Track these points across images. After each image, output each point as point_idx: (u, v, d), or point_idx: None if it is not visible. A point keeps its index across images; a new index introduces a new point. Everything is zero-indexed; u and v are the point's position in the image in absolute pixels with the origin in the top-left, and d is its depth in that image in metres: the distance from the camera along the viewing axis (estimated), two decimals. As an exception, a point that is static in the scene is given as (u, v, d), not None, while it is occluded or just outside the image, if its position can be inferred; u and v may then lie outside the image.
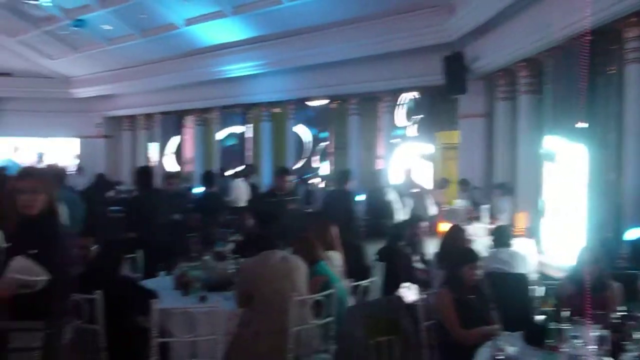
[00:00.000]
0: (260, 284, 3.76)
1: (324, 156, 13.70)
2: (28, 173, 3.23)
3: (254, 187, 10.24)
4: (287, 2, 9.60)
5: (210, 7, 10.64)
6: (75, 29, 12.20)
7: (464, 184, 9.07)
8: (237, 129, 14.69)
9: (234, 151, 14.41)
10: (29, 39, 13.66)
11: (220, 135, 14.36)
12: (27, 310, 2.89)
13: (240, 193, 10.84)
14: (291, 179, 6.87)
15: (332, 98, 12.10)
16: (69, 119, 16.18)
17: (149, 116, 15.68)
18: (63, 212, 3.94)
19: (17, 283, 2.79)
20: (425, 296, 3.92)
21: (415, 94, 11.48)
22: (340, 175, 7.39)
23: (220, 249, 5.07)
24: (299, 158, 13.37)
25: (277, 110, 13.03)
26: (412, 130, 11.92)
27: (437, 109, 11.16)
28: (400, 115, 11.87)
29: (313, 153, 13.92)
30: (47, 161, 14.87)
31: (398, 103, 11.70)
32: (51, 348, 2.84)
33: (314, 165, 13.89)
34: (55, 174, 5.74)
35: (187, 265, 4.61)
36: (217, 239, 5.44)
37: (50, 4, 11.41)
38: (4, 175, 7.32)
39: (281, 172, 6.62)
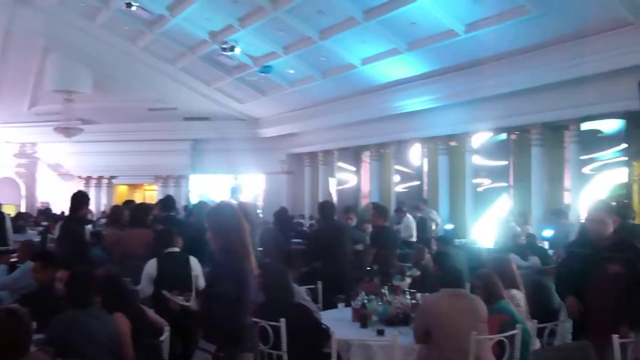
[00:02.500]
0: (439, 321, 3.67)
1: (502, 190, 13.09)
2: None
3: (423, 222, 10.12)
4: (465, 34, 9.50)
5: (386, 46, 10.90)
6: (263, 74, 13.29)
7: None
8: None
9: (410, 186, 14.37)
10: (224, 86, 15.08)
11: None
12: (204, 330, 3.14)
13: (413, 228, 10.82)
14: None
15: (512, 129, 11.60)
16: (257, 157, 17.49)
17: (328, 152, 16.34)
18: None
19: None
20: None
21: (607, 121, 10.54)
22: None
23: (397, 283, 5.06)
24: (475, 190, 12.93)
25: (453, 143, 12.82)
26: (605, 159, 10.91)
27: (633, 135, 10.12)
28: (589, 145, 10.96)
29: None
30: (240, 196, 16.16)
31: (586, 131, 10.82)
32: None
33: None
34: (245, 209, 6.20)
35: (365, 298, 4.67)
36: (394, 274, 5.44)
37: (242, 54, 12.54)
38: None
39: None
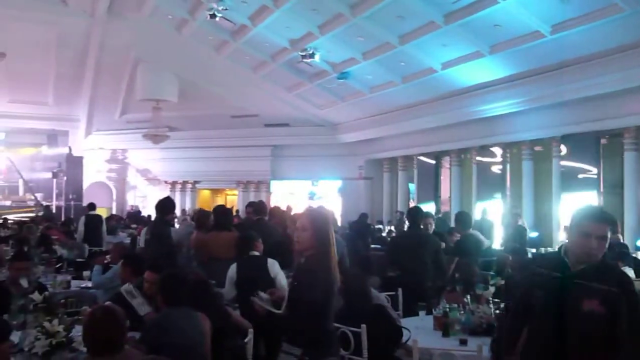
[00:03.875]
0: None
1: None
2: (301, 213, 3.57)
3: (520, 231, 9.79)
4: (551, 35, 9.17)
5: (467, 49, 10.69)
6: (341, 80, 13.38)
7: None
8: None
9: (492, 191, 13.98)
10: (304, 92, 15.30)
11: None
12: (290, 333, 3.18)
13: (492, 234, 10.51)
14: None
15: (602, 133, 11.06)
16: (335, 163, 17.62)
17: (407, 158, 16.20)
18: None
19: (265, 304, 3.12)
20: None
21: None
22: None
23: (480, 292, 4.94)
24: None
25: (538, 148, 12.37)
26: None
27: None
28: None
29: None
30: (317, 202, 16.35)
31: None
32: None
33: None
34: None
35: (447, 306, 4.59)
36: (478, 282, 5.31)
37: (321, 61, 12.68)
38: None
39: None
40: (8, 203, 18.23)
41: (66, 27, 13.97)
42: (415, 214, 6.49)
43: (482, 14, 9.27)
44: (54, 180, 18.77)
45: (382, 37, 11.28)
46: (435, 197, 15.43)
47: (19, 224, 11.60)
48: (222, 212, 7.06)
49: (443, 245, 6.87)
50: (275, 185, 18.42)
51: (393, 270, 6.26)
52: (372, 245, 10.34)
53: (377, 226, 14.22)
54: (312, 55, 12.25)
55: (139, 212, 16.90)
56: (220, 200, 19.79)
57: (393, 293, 5.52)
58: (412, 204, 14.90)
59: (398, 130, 15.06)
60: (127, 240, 10.97)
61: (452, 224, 9.50)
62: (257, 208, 7.69)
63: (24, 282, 4.84)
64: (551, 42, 9.31)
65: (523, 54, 10.03)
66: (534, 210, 12.19)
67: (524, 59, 10.21)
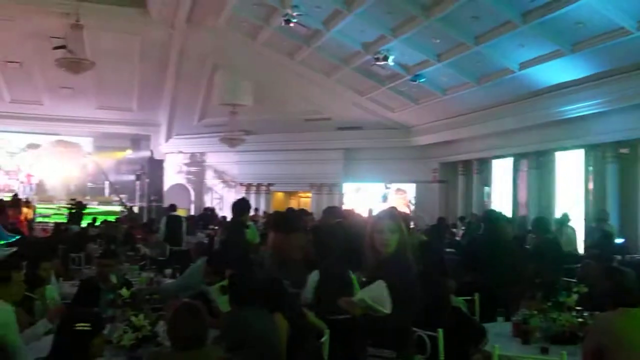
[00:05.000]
0: (614, 342, 3.40)
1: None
2: (389, 214, 3.56)
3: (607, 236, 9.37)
4: (638, 31, 8.72)
5: (547, 48, 10.35)
6: (415, 82, 13.26)
7: None
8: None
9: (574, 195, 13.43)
10: (376, 95, 15.29)
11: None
12: (378, 335, 3.18)
13: (575, 240, 10.10)
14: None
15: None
16: (408, 166, 17.47)
17: (483, 160, 15.84)
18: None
19: (362, 305, 3.11)
20: None
21: None
22: None
23: (563, 300, 4.76)
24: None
25: (624, 150, 11.77)
26: None
27: None
28: None
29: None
30: (389, 204, 16.26)
31: None
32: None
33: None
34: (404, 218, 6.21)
35: (527, 313, 4.46)
36: (560, 289, 5.12)
37: (395, 63, 12.63)
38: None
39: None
40: (95, 203, 19.21)
41: (149, 37, 14.64)
42: (493, 218, 6.35)
43: (562, 11, 8.96)
44: (137, 182, 19.64)
45: (457, 38, 11.12)
46: (513, 200, 14.98)
47: (106, 223, 12.23)
48: (294, 213, 7.17)
49: (521, 250, 6.70)
50: (347, 187, 18.47)
51: (469, 275, 6.14)
52: (447, 249, 10.18)
53: (451, 230, 13.97)
54: (385, 58, 12.23)
55: (212, 213, 17.35)
56: (294, 203, 20.03)
57: (470, 298, 5.41)
58: (487, 208, 14.55)
59: (473, 133, 14.76)
60: (205, 240, 11.32)
61: (530, 229, 9.23)
62: (334, 211, 7.75)
63: (113, 278, 5.12)
64: (638, 39, 8.87)
65: (607, 52, 9.59)
66: (619, 215, 11.61)
67: (608, 57, 9.77)
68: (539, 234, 6.89)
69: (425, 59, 12.33)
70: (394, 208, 7.93)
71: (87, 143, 20.67)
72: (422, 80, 13.03)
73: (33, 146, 20.33)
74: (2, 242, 8.88)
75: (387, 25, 11.55)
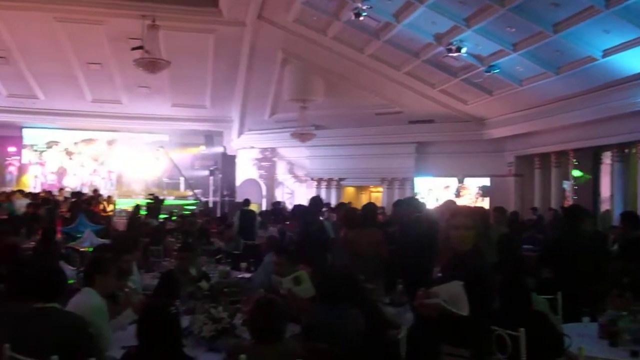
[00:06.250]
0: None
1: None
2: (461, 211, 3.48)
3: None
4: None
5: (634, 33, 9.79)
6: (489, 73, 12.88)
7: None
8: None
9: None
10: (449, 88, 14.97)
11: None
12: (455, 336, 3.11)
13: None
14: None
15: None
16: (481, 159, 17.03)
17: (561, 153, 15.21)
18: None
19: (439, 307, 3.04)
20: None
21: None
22: None
23: (654, 300, 4.50)
24: None
25: None
26: None
27: None
28: None
29: None
30: (461, 200, 15.94)
31: None
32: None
33: None
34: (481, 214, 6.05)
35: (615, 314, 4.24)
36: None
37: (468, 54, 12.32)
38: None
39: None
40: (171, 198, 19.89)
41: (221, 35, 14.94)
42: (575, 214, 6.07)
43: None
44: (211, 177, 20.16)
45: (534, 27, 10.71)
46: (594, 195, 14.33)
47: (182, 217, 12.61)
48: (368, 208, 7.13)
49: (604, 247, 6.38)
50: (419, 182, 18.24)
51: (549, 272, 5.91)
52: (524, 245, 9.85)
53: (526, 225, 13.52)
54: (458, 49, 11.95)
55: (280, 207, 17.53)
56: (364, 198, 19.99)
57: (551, 297, 5.20)
58: (566, 203, 13.99)
59: (552, 125, 14.18)
60: (276, 235, 11.46)
61: (614, 224, 8.78)
62: (410, 205, 7.63)
63: (192, 271, 5.26)
64: None
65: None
66: None
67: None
68: (627, 230, 6.51)
69: (500, 49, 11.96)
70: (451, 202, 7.77)
71: (162, 139, 21.37)
72: (497, 71, 12.65)
73: (111, 142, 21.33)
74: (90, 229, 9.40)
75: (460, 15, 11.28)
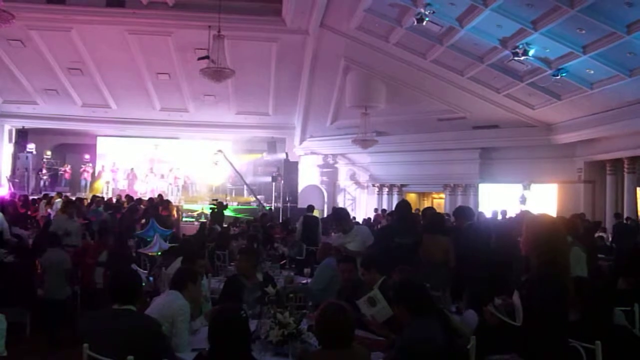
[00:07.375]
0: None
1: None
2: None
3: None
4: None
5: None
6: (557, 77, 12.49)
7: None
8: None
9: None
10: (514, 92, 14.61)
11: None
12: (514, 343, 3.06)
13: None
14: None
15: None
16: (549, 165, 16.53)
17: (635, 159, 14.55)
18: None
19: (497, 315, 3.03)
20: None
21: None
22: None
23: None
24: None
25: None
26: None
27: None
28: None
29: None
30: (528, 206, 15.47)
31: None
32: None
33: None
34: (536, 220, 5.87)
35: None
36: None
37: (535, 58, 12.00)
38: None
39: None
40: (235, 204, 20.25)
41: (284, 43, 15.17)
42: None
43: None
44: (273, 183, 20.41)
45: (605, 28, 10.33)
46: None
47: (247, 223, 12.82)
48: (435, 215, 7.04)
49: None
50: (483, 188, 17.87)
51: (624, 282, 5.66)
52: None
53: (599, 234, 12.98)
54: (525, 53, 11.68)
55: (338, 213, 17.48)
56: (427, 204, 19.75)
57: (628, 309, 4.98)
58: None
59: (624, 129, 13.60)
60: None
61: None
62: (462, 213, 7.52)
63: (259, 276, 5.34)
64: None
65: None
66: None
67: None
68: None
69: (569, 52, 11.60)
70: (527, 212, 7.54)
71: (225, 146, 21.81)
72: (565, 74, 12.27)
73: (178, 149, 21.97)
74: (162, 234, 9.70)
75: (527, 18, 11.01)
